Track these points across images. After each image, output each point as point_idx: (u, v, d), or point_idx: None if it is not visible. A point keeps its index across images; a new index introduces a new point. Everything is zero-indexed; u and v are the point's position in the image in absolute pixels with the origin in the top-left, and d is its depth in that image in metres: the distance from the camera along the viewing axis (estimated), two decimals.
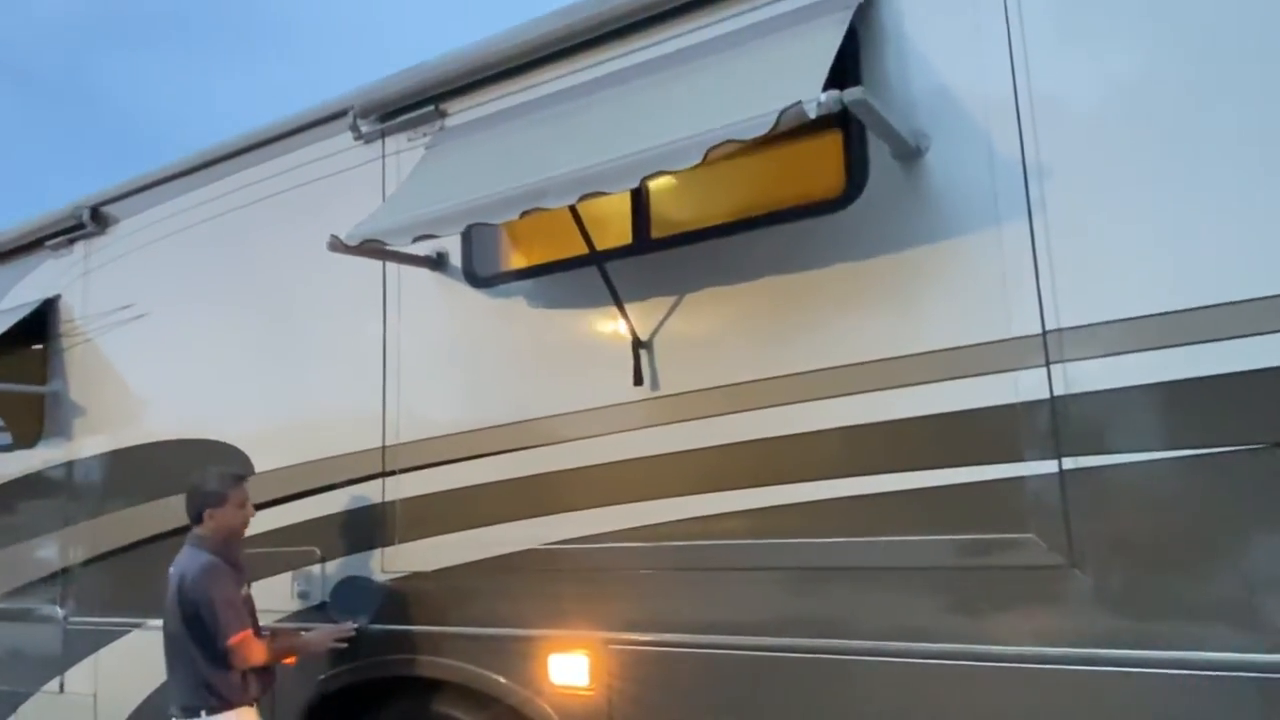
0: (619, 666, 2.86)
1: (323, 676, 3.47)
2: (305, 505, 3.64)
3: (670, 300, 2.93)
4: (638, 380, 2.91)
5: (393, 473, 3.46)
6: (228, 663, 3.06)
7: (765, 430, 2.71)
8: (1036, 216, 2.38)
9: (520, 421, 3.17)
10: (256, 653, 3.10)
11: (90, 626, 4.31)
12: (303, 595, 3.60)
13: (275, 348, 3.89)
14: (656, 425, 2.88)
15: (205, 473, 3.32)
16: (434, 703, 3.28)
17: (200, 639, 3.06)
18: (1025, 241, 2.38)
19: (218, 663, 3.06)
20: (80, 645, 4.32)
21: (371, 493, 3.50)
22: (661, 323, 2.93)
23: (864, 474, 2.54)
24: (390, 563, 3.41)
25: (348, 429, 3.60)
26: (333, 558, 3.56)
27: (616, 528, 2.91)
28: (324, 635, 3.33)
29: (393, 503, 3.44)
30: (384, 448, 3.49)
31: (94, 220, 4.66)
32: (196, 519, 3.22)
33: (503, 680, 3.07)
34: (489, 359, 3.31)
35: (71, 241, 4.76)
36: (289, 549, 3.64)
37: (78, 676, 4.30)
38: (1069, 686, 2.23)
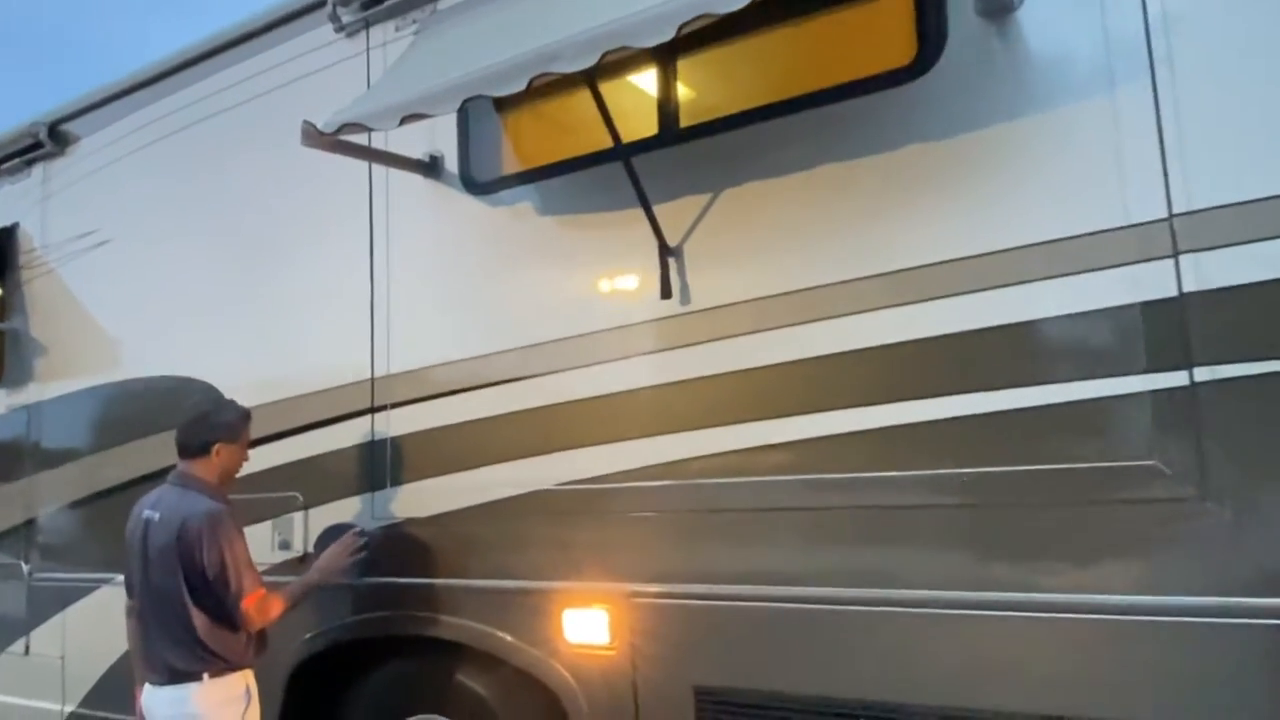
0: (644, 622, 2.48)
1: (308, 636, 3.10)
2: (286, 446, 3.24)
3: (703, 199, 2.50)
4: (665, 293, 2.49)
5: (382, 408, 3.06)
6: (234, 623, 2.67)
7: (818, 347, 2.29)
8: (1161, 77, 1.94)
9: (528, 346, 2.75)
10: (273, 609, 2.72)
11: (57, 583, 3.93)
12: (284, 545, 3.21)
13: (252, 272, 3.47)
14: (688, 345, 2.47)
15: (219, 400, 2.90)
16: (432, 664, 2.90)
17: (203, 597, 2.65)
18: (1147, 108, 1.95)
19: (222, 623, 2.67)
20: (46, 604, 3.94)
21: (359, 431, 3.10)
22: (693, 226, 2.50)
23: (939, 395, 2.14)
24: (381, 508, 3.02)
25: (332, 361, 3.19)
26: (317, 504, 3.17)
27: (641, 465, 2.51)
28: (333, 558, 2.89)
29: (383, 441, 3.05)
30: (373, 380, 3.09)
31: (52, 139, 4.21)
32: (199, 452, 2.76)
33: (510, 639, 2.69)
34: (491, 277, 2.89)
35: (29, 164, 4.31)
36: (268, 495, 3.24)
37: (44, 638, 3.93)
38: (1197, 641, 1.85)
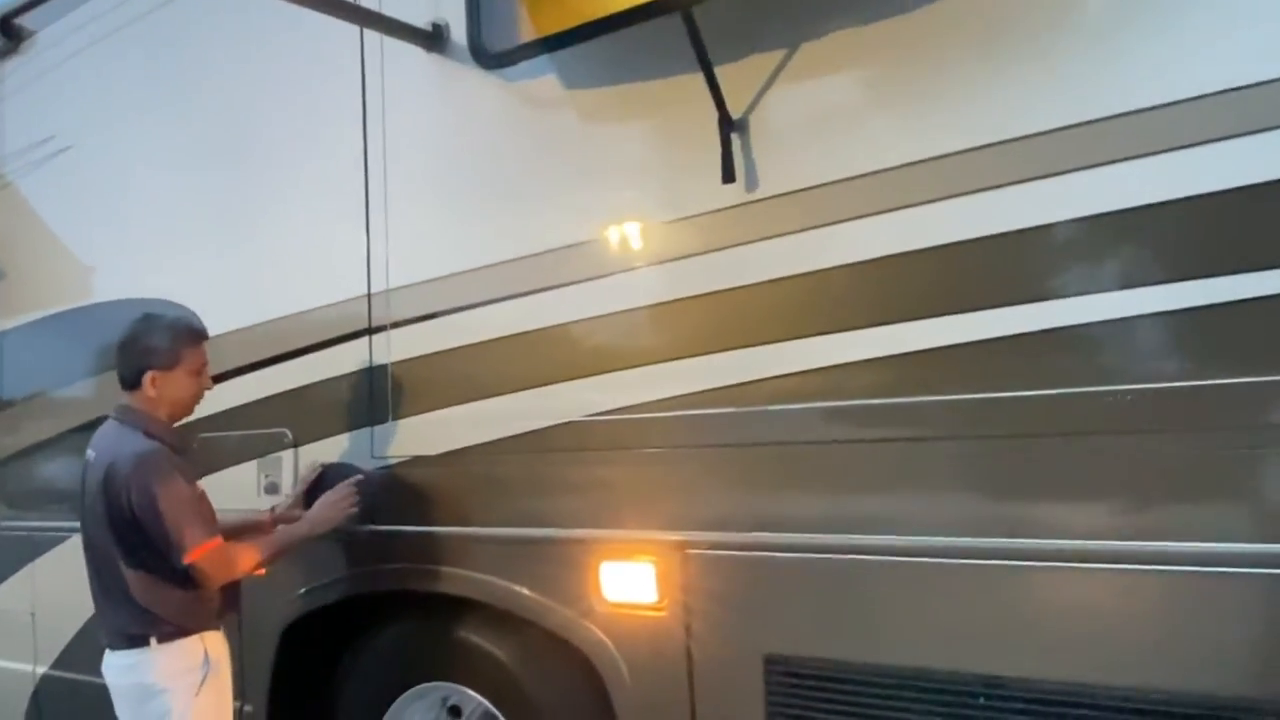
0: (702, 578, 2.05)
1: (302, 591, 2.69)
2: (271, 375, 2.80)
3: (774, 57, 1.99)
4: (728, 176, 2.00)
5: (382, 328, 2.60)
6: (182, 581, 2.25)
7: (919, 238, 1.82)
8: None
9: (556, 250, 2.28)
10: (238, 563, 2.30)
11: (22, 533, 3.53)
12: (271, 489, 2.79)
13: (228, 175, 2.98)
14: (755, 241, 2.00)
15: (150, 321, 2.40)
16: (444, 624, 2.49)
17: (139, 553, 2.24)
18: None
19: (165, 581, 2.25)
20: (12, 555, 3.54)
21: (355, 356, 2.64)
22: (762, 91, 2.01)
23: (1078, 295, 1.68)
24: (383, 445, 2.58)
25: (321, 275, 2.73)
26: (308, 441, 2.73)
27: (696, 389, 2.05)
28: (327, 507, 2.46)
29: (383, 368, 2.60)
30: (369, 297, 2.62)
31: (3, 34, 3.72)
32: (131, 384, 2.34)
33: (535, 596, 2.27)
34: (509, 168, 2.40)
35: None
36: (252, 431, 2.82)
37: (12, 592, 3.54)
38: None
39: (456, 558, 2.42)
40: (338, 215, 2.69)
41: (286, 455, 2.77)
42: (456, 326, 2.46)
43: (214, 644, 2.34)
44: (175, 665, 2.25)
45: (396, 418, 2.57)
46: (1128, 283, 1.66)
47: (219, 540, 2.27)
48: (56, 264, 3.55)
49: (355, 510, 2.48)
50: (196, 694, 2.26)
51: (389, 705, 2.64)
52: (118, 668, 2.30)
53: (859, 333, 1.89)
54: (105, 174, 3.36)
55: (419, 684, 2.60)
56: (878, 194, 1.88)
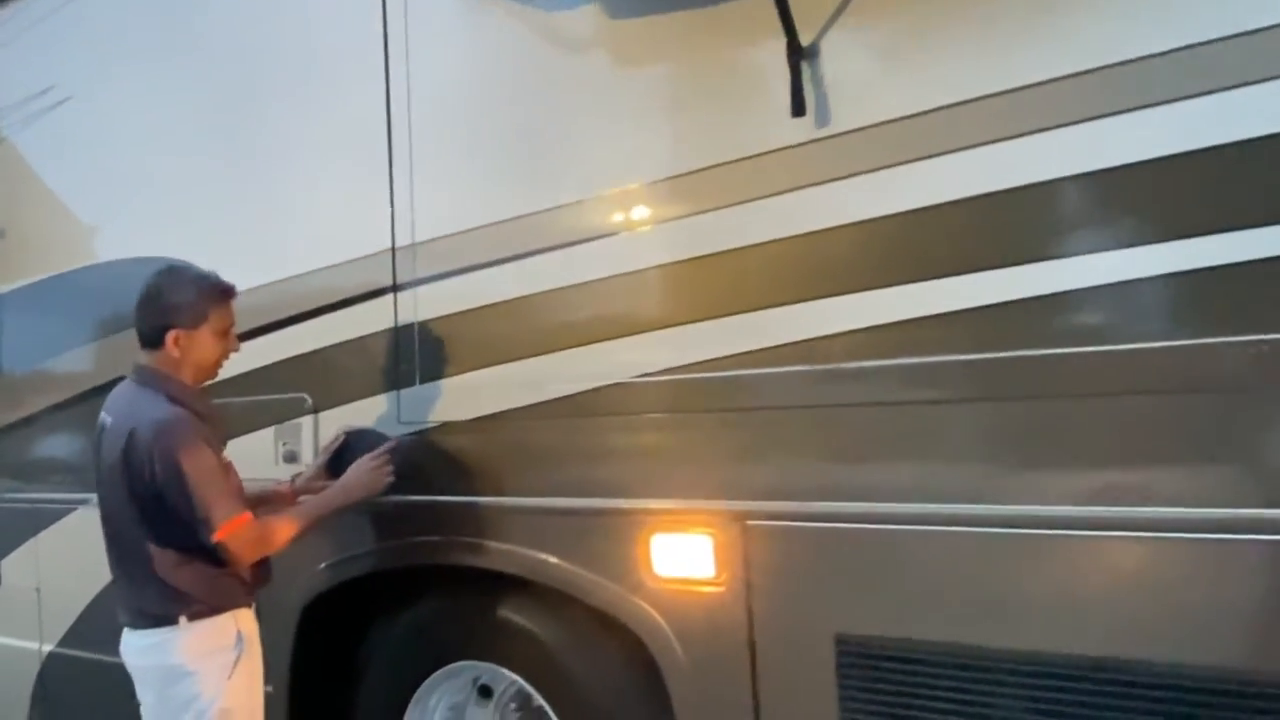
0: (765, 551, 1.88)
1: (323, 566, 2.53)
2: (289, 337, 2.61)
3: None
4: (798, 109, 1.81)
5: (408, 285, 2.42)
6: (214, 556, 2.09)
7: (1013, 175, 1.64)
8: None
9: (601, 197, 2.10)
10: (271, 538, 2.13)
11: (25, 505, 3.36)
12: (289, 457, 2.61)
13: (239, 124, 2.79)
14: (827, 181, 1.81)
15: (174, 274, 2.20)
16: (479, 600, 2.33)
17: (165, 527, 2.07)
18: None
19: (195, 557, 2.09)
20: (15, 528, 3.38)
21: (379, 315, 2.46)
22: (836, 14, 1.82)
23: (1209, 232, 1.51)
24: (411, 410, 2.41)
25: (341, 229, 2.54)
26: (328, 406, 2.56)
27: (759, 346, 1.87)
28: (365, 473, 2.28)
29: (410, 327, 2.42)
30: (393, 251, 2.44)
31: None
32: (152, 342, 2.15)
33: (580, 571, 2.10)
34: (547, 108, 2.21)
35: None
36: (269, 397, 2.63)
37: (16, 567, 3.38)
38: None
39: (493, 530, 2.26)
40: (358, 163, 2.49)
41: (306, 421, 2.59)
42: (490, 282, 2.28)
43: (246, 622, 2.18)
44: (205, 645, 2.10)
45: (425, 381, 2.39)
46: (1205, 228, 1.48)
47: (249, 516, 2.10)
48: (57, 223, 3.37)
49: (391, 478, 2.31)
50: (229, 676, 2.10)
51: (417, 686, 2.49)
52: (140, 648, 2.14)
53: (946, 281, 1.71)
54: (108, 125, 3.16)
55: (450, 664, 2.46)
56: (965, 128, 1.69)
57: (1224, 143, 1.49)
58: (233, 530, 2.05)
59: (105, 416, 2.19)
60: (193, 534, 2.05)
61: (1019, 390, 1.66)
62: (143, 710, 2.25)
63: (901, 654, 1.76)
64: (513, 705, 2.51)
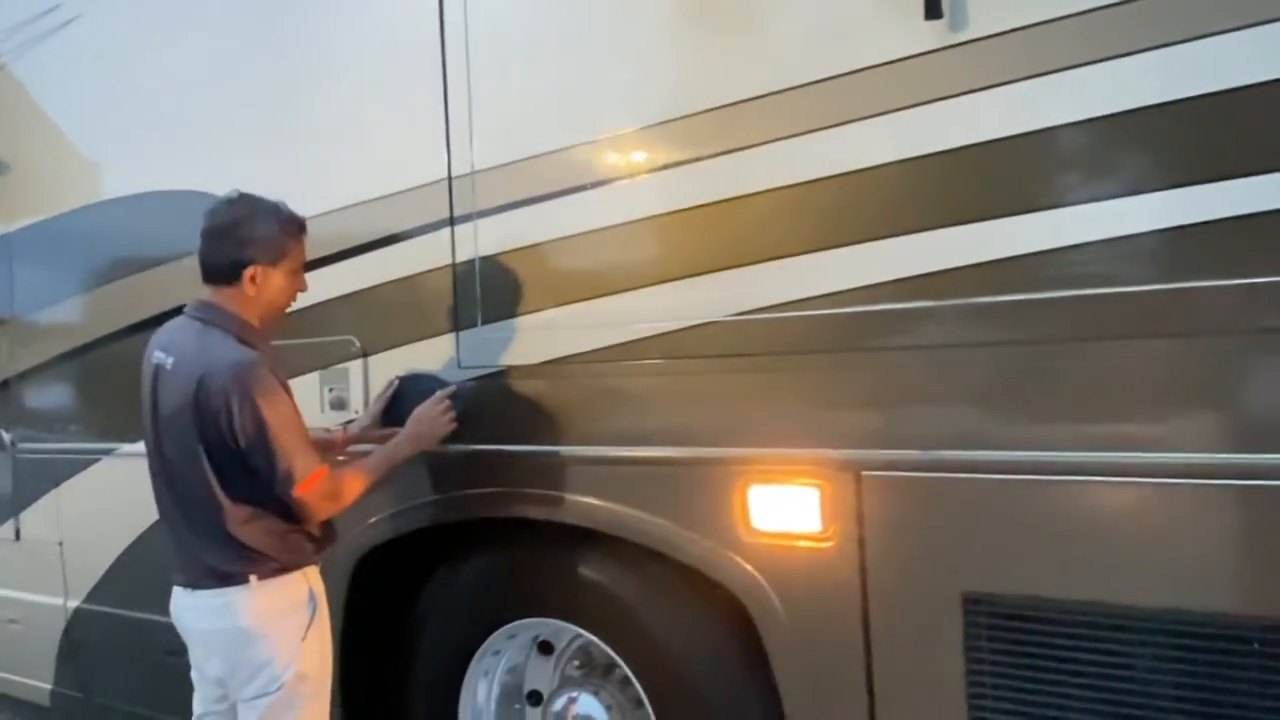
0: (882, 504, 1.73)
1: (376, 519, 2.37)
2: (334, 274, 2.40)
3: None
4: (932, 11, 1.62)
5: (467, 218, 2.22)
6: (287, 511, 1.95)
7: (1173, 87, 1.45)
8: None
9: (695, 115, 1.88)
10: (345, 492, 1.98)
11: (46, 455, 3.19)
12: (337, 404, 2.44)
13: (271, 38, 2.56)
14: (964, 93, 1.61)
15: (251, 204, 2.00)
16: (551, 556, 2.19)
17: (241, 480, 1.92)
18: None
19: (269, 511, 1.95)
20: (36, 480, 3.20)
21: (435, 251, 2.26)
22: None
23: None
24: (472, 354, 2.23)
25: (391, 155, 2.33)
26: (379, 350, 2.38)
27: (878, 279, 1.69)
28: (428, 422, 2.12)
29: (469, 264, 2.23)
30: (449, 180, 2.23)
31: None
32: (227, 278, 1.97)
33: (667, 524, 1.95)
34: (628, 13, 2.00)
35: None
36: (314, 340, 2.44)
37: (37, 519, 3.22)
38: None
39: (566, 482, 2.09)
40: (409, 81, 2.28)
41: (354, 366, 2.42)
42: (561, 213, 2.08)
43: (316, 580, 2.05)
44: (278, 606, 1.96)
45: (487, 322, 2.21)
46: None
47: (326, 469, 1.95)
48: (71, 155, 3.14)
49: (454, 425, 2.15)
50: (303, 638, 1.97)
51: (478, 645, 2.36)
52: (206, 610, 1.98)
53: (1094, 206, 1.53)
54: (125, 47, 2.92)
55: (513, 621, 2.32)
56: (1118, 33, 1.50)
57: None
58: (313, 484, 1.91)
59: (162, 356, 2.00)
60: (266, 487, 1.90)
61: (1173, 326, 1.50)
62: (197, 677, 2.11)
63: (1036, 613, 1.62)
64: (575, 662, 2.39)
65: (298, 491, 1.89)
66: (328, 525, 2.07)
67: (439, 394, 2.17)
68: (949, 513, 1.69)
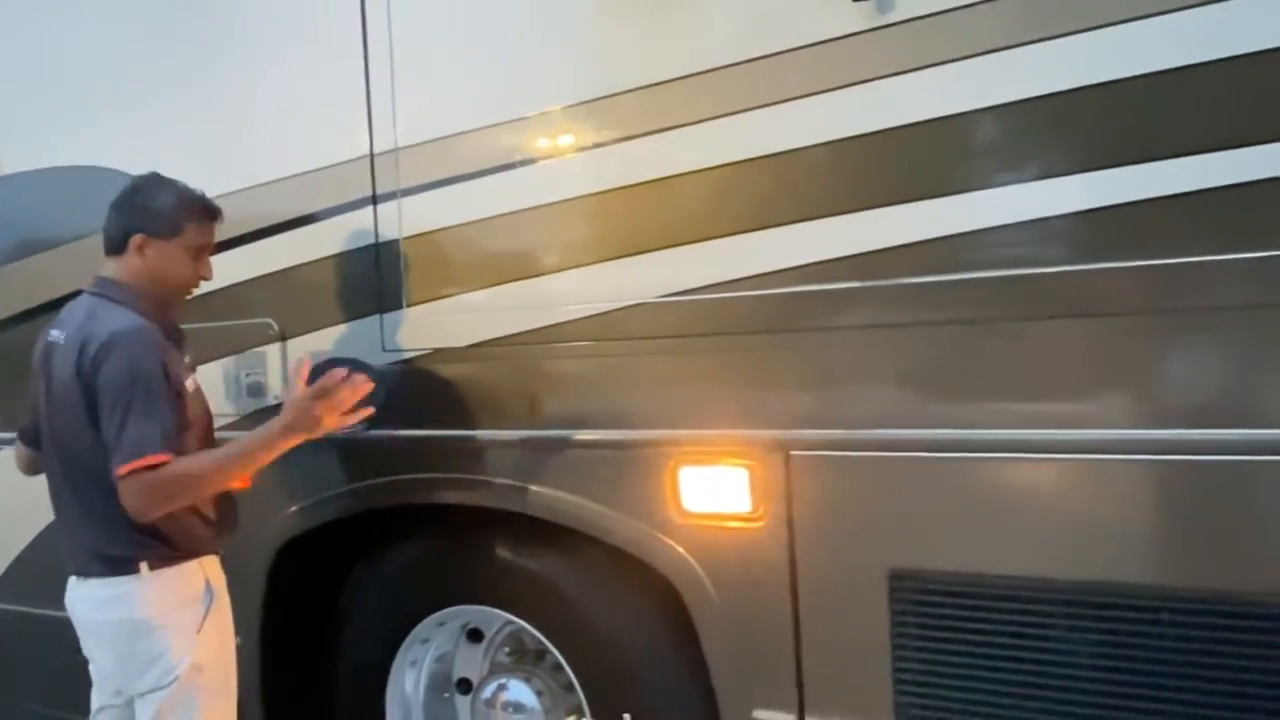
0: (812, 484, 1.74)
1: (297, 507, 2.30)
2: (251, 254, 2.32)
3: None
4: None
5: (390, 196, 2.16)
6: None
7: (1104, 68, 1.49)
8: None
9: (621, 94, 1.86)
10: (173, 486, 1.77)
11: None
12: (254, 391, 2.36)
13: (195, 13, 2.43)
14: (889, 75, 1.62)
15: (158, 180, 1.93)
16: (480, 542, 2.15)
17: None
18: None
19: None
20: None
21: (357, 230, 2.20)
22: None
23: None
24: (397, 337, 2.17)
25: (311, 131, 2.25)
26: (298, 333, 2.29)
27: (806, 261, 1.70)
28: (299, 407, 1.81)
29: (393, 244, 2.16)
30: (372, 157, 2.17)
31: None
32: (117, 247, 1.89)
33: (598, 508, 1.94)
34: None
35: None
36: (230, 322, 2.35)
37: None
38: None
39: (494, 466, 2.07)
40: (329, 53, 2.20)
41: (272, 350, 2.33)
42: (488, 192, 2.04)
43: (214, 571, 1.96)
44: (172, 597, 1.87)
45: (412, 304, 2.15)
46: None
47: (167, 458, 1.75)
48: None
49: (345, 417, 1.84)
50: (199, 629, 1.88)
51: (405, 634, 2.32)
52: (97, 600, 1.88)
53: (1018, 189, 1.57)
54: (28, 18, 2.74)
55: (441, 609, 2.28)
56: (1043, 17, 1.53)
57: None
58: (139, 467, 1.73)
59: (55, 333, 1.90)
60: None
61: (1092, 306, 1.55)
62: (94, 670, 2.01)
63: (960, 587, 1.66)
64: (506, 648, 2.37)
65: (120, 471, 1.73)
66: (226, 512, 1.98)
67: (327, 376, 1.85)
68: (875, 491, 1.71)
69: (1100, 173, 1.50)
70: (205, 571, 1.94)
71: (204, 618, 1.91)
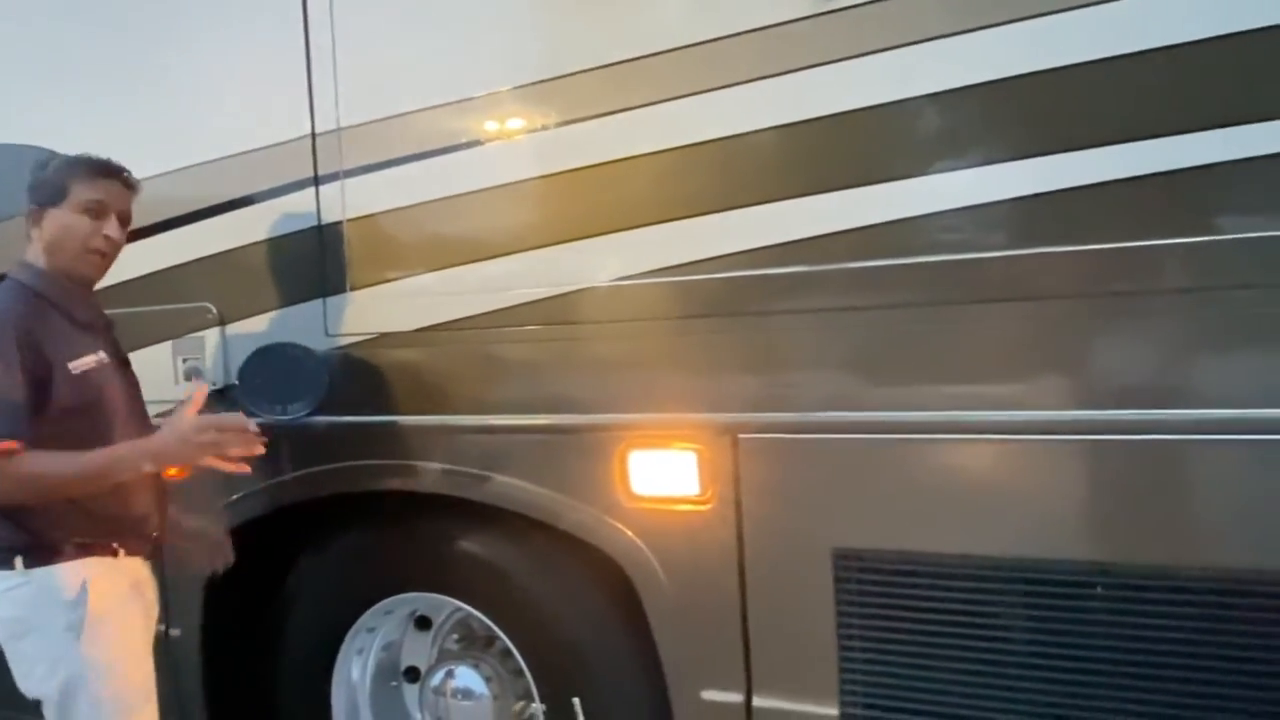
0: (758, 467, 1.76)
1: (238, 496, 2.25)
2: (188, 236, 2.26)
3: None
4: None
5: (333, 177, 2.11)
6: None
7: (1051, 54, 1.52)
8: None
9: (570, 75, 1.85)
10: (21, 479, 1.65)
11: None
12: (192, 375, 2.30)
13: None
14: (832, 61, 1.64)
15: (52, 156, 1.91)
16: (427, 530, 2.13)
17: None
18: None
19: None
20: None
21: (298, 211, 2.15)
22: None
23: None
24: (340, 321, 2.12)
25: (250, 110, 2.19)
26: (237, 317, 2.24)
27: (753, 245, 1.72)
28: (179, 438, 1.70)
29: (336, 226, 2.12)
30: (313, 136, 2.12)
31: None
32: (27, 228, 1.85)
33: (547, 493, 1.93)
34: None
35: None
36: (166, 306, 2.29)
37: None
38: None
39: (440, 453, 2.04)
40: (268, 27, 2.14)
41: (210, 334, 2.27)
42: (434, 174, 2.01)
43: (102, 573, 1.77)
44: (44, 599, 1.73)
45: (356, 287, 2.11)
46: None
47: (13, 446, 1.63)
48: None
49: (237, 467, 1.71)
50: (78, 637, 1.72)
51: (351, 624, 2.29)
52: None
53: (963, 174, 1.60)
54: None
55: (387, 597, 2.26)
56: (988, 4, 1.55)
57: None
58: None
59: None
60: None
61: (1032, 291, 1.58)
62: None
63: (902, 566, 1.69)
64: (454, 635, 2.35)
65: None
66: (138, 507, 1.83)
67: (226, 418, 1.74)
68: (820, 472, 1.74)
69: (1040, 159, 1.54)
70: (85, 573, 1.76)
71: (83, 624, 1.73)
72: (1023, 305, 1.59)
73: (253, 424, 1.71)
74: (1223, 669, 1.47)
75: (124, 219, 1.86)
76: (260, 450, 1.71)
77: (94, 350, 1.83)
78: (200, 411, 1.74)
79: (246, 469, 1.73)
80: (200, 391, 1.79)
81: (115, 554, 1.81)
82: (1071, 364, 1.60)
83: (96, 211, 1.82)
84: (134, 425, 1.87)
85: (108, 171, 1.84)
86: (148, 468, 1.74)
